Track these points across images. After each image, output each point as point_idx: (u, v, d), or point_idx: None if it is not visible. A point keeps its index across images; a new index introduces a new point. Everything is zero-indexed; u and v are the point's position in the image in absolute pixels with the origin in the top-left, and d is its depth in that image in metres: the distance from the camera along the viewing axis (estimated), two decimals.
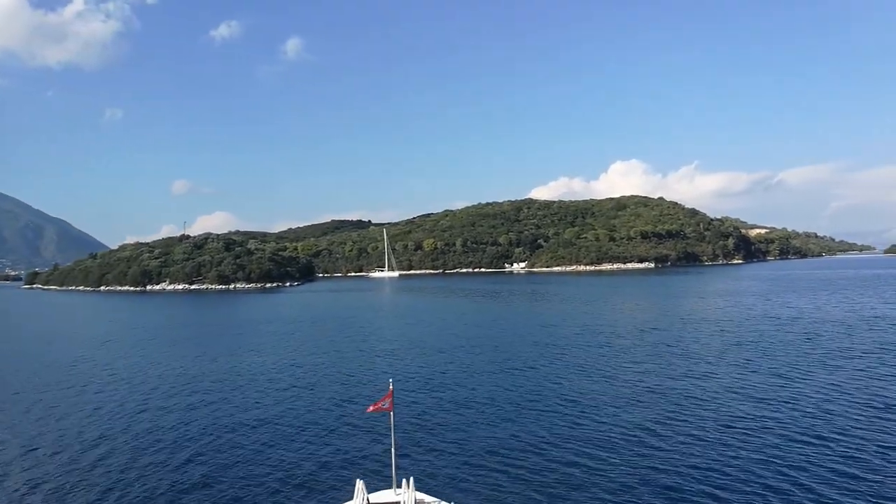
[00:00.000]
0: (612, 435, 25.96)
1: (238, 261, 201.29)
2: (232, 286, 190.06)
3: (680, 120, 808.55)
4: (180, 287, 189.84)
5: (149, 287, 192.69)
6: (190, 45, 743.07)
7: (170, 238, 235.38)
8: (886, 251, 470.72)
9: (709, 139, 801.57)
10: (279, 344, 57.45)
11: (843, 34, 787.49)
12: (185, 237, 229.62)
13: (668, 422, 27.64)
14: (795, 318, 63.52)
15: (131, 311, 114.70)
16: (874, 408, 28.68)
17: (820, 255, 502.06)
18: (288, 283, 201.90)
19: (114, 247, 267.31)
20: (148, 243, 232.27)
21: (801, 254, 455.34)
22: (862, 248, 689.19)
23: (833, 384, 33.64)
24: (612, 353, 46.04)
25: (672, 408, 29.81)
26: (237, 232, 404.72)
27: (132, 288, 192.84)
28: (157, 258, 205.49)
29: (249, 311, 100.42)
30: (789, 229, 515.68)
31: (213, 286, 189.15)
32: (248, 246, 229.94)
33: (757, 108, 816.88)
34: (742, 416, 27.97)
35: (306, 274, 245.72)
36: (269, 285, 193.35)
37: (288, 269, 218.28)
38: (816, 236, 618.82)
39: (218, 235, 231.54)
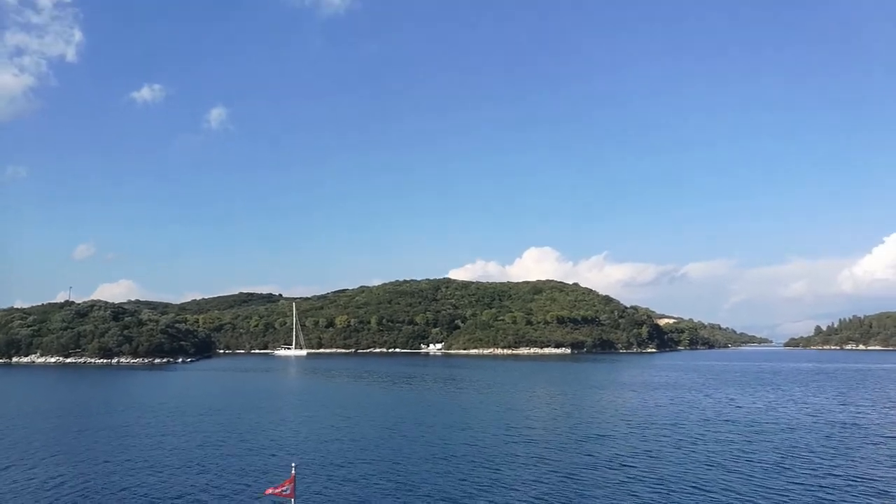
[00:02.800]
0: None
1: (126, 332, 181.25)
2: (115, 361, 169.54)
3: (591, 210, 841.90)
4: (53, 360, 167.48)
5: (14, 359, 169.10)
6: (108, 106, 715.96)
7: (50, 304, 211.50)
8: (786, 344, 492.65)
9: (618, 231, 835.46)
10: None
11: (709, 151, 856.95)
12: (68, 304, 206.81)
13: None
14: (767, 422, 56.66)
15: None
16: None
17: (726, 346, 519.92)
18: (181, 360, 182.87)
19: None
20: (22, 309, 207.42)
21: (709, 344, 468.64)
22: (760, 341, 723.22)
23: None
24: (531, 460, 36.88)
25: None
26: (137, 302, 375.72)
27: None
28: (30, 325, 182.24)
29: (113, 393, 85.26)
30: (695, 320, 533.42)
31: (93, 360, 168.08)
32: (141, 316, 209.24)
33: (661, 204, 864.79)
34: None
35: (204, 349, 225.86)
36: (158, 361, 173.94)
37: (182, 343, 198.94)
38: (720, 328, 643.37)
39: (106, 303, 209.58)
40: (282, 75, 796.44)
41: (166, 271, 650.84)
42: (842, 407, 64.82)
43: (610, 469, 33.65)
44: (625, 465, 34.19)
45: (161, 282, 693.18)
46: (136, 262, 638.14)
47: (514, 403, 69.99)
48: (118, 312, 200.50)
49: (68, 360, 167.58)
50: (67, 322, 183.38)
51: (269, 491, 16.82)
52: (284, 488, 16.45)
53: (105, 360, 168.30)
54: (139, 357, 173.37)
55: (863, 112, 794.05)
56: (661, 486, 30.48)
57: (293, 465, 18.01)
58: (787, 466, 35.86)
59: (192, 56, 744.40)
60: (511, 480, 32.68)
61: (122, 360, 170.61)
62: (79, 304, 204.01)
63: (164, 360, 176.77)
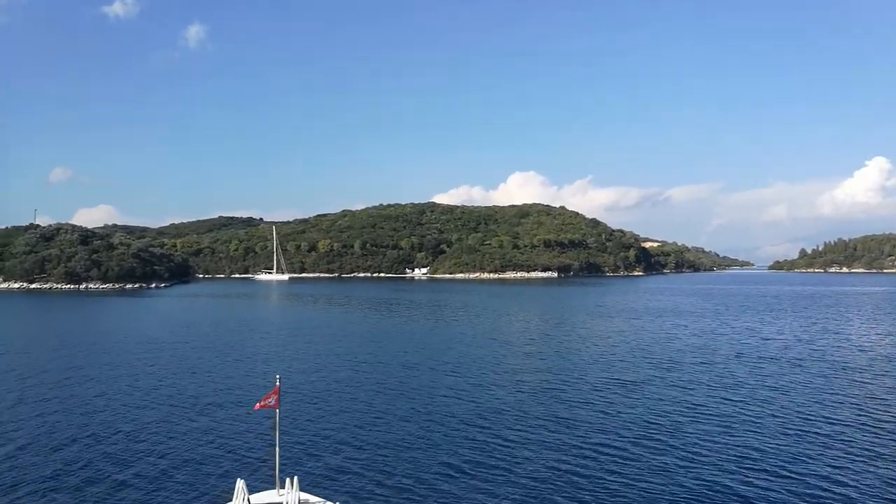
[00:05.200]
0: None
1: (94, 256, 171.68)
2: (83, 286, 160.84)
3: (576, 134, 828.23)
4: (16, 286, 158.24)
5: None
6: (78, 21, 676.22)
7: (14, 227, 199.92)
8: (770, 267, 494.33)
9: (602, 155, 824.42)
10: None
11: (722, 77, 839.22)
12: (33, 227, 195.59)
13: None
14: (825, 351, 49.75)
15: None
16: None
17: (711, 269, 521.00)
18: (154, 285, 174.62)
19: None
20: None
21: (695, 267, 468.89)
22: (742, 264, 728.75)
23: None
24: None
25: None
26: (114, 226, 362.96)
27: None
28: None
29: (86, 320, 77.16)
30: (678, 243, 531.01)
31: (59, 286, 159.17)
32: (112, 240, 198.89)
33: (647, 127, 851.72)
34: None
35: (181, 274, 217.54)
36: (129, 286, 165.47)
37: (156, 267, 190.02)
38: (703, 251, 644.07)
39: (74, 226, 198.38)
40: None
41: (146, 195, 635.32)
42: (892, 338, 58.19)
43: (652, 437, 25.97)
44: (674, 431, 26.47)
45: (141, 206, 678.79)
46: (115, 185, 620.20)
47: (510, 334, 62.95)
48: (87, 236, 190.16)
49: (33, 286, 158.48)
50: (31, 246, 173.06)
51: (257, 406, 17.12)
52: (270, 399, 16.75)
53: (72, 286, 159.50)
54: (109, 282, 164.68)
55: (846, 32, 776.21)
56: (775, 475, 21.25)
57: (278, 376, 17.70)
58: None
59: None
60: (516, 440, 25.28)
61: (91, 285, 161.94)
62: (44, 227, 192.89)
63: (136, 285, 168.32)
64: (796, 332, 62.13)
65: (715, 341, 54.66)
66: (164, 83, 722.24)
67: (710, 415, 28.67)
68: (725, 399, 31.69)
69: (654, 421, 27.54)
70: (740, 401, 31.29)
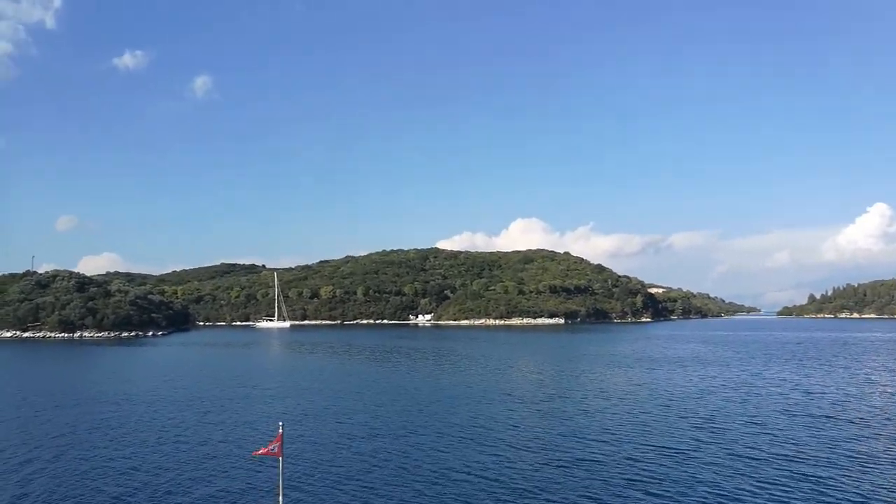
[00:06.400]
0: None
1: (90, 303, 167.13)
2: (77, 335, 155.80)
3: (577, 182, 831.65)
4: (9, 334, 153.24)
5: None
6: (88, 73, 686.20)
7: (10, 275, 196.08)
8: (779, 313, 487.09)
9: (603, 202, 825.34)
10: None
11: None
12: (28, 274, 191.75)
13: None
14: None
15: None
16: None
17: (719, 315, 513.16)
18: (151, 333, 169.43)
19: None
20: None
21: (702, 313, 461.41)
22: (749, 310, 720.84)
23: None
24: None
25: None
26: (115, 273, 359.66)
27: None
28: None
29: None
30: (683, 289, 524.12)
31: (53, 334, 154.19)
32: (109, 287, 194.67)
33: (647, 174, 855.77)
34: None
35: (179, 322, 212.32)
36: (125, 335, 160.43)
37: (153, 315, 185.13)
38: (709, 297, 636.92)
39: (71, 273, 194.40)
40: (266, 41, 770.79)
41: (150, 243, 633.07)
42: None
43: None
44: None
45: (144, 254, 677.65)
46: (120, 234, 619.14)
47: (525, 388, 57.98)
48: (84, 283, 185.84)
49: (26, 335, 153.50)
50: (26, 293, 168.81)
51: (259, 452, 17.03)
52: (272, 447, 16.62)
53: (66, 335, 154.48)
54: (104, 330, 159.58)
55: (846, 83, 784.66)
56: None
57: (280, 424, 17.65)
58: None
59: (174, 21, 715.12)
60: None
61: (86, 333, 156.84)
62: (40, 274, 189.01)
63: (133, 333, 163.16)
64: (839, 384, 57.00)
65: (753, 395, 49.58)
66: (171, 132, 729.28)
67: (791, 496, 23.77)
68: (802, 475, 26.69)
69: None
70: (816, 475, 26.38)
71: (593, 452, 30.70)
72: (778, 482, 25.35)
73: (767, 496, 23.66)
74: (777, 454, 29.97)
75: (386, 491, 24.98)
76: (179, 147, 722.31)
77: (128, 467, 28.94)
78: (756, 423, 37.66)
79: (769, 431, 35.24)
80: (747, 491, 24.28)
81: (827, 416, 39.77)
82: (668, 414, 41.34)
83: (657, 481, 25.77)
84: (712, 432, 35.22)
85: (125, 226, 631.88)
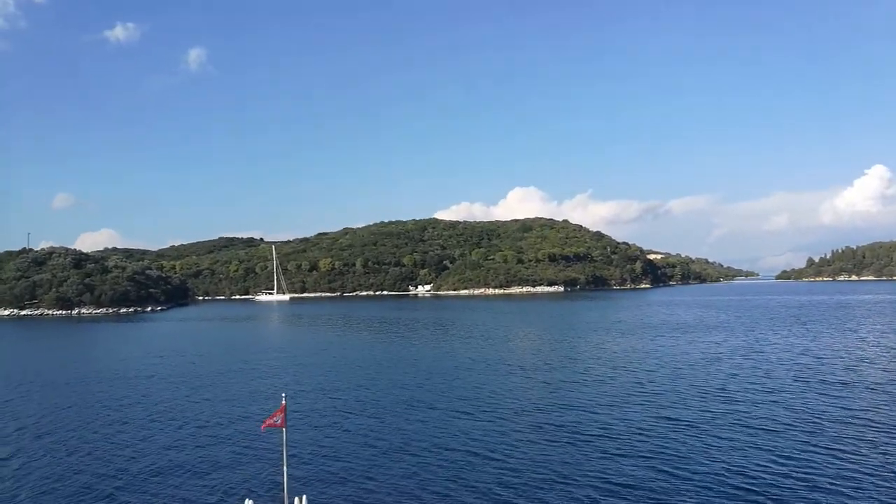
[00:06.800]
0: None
1: (88, 280, 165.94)
2: (75, 312, 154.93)
3: (574, 149, 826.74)
4: (6, 313, 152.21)
5: None
6: (80, 46, 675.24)
7: (6, 252, 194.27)
8: (778, 277, 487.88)
9: (601, 169, 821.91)
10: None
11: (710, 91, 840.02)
12: (24, 251, 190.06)
13: None
14: None
15: None
16: None
17: (717, 280, 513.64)
18: (150, 308, 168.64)
19: None
20: None
21: (701, 278, 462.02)
22: (747, 274, 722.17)
23: None
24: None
25: None
26: (114, 249, 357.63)
27: None
28: None
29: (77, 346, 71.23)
30: (682, 255, 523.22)
31: (51, 312, 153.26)
32: (106, 263, 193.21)
33: (643, 140, 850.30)
34: None
35: (178, 297, 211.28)
36: (123, 311, 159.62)
37: (152, 290, 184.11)
38: (707, 262, 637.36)
39: (67, 249, 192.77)
40: (259, 11, 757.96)
41: (147, 219, 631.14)
42: None
43: None
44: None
45: (143, 230, 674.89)
46: (118, 210, 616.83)
47: (526, 357, 57.06)
48: (81, 260, 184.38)
49: (23, 313, 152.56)
50: (22, 271, 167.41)
51: (264, 425, 16.78)
52: (276, 418, 16.58)
53: (64, 312, 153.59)
54: (102, 307, 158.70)
55: (844, 43, 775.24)
56: None
57: (283, 395, 17.91)
58: None
59: None
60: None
61: (84, 310, 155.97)
62: (36, 251, 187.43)
63: (131, 309, 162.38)
64: (849, 348, 56.12)
65: (763, 362, 48.67)
66: (165, 107, 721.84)
67: (815, 472, 22.76)
68: (823, 448, 25.66)
69: (743, 486, 21.61)
70: (838, 448, 25.38)
71: (601, 426, 29.68)
72: (799, 456, 24.34)
73: (789, 471, 22.64)
74: (794, 425, 28.97)
75: (387, 461, 25.10)
76: (175, 120, 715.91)
77: (129, 445, 28.70)
78: (768, 391, 36.71)
79: (783, 400, 34.26)
80: (766, 466, 23.28)
81: (842, 383, 38.78)
82: (677, 383, 40.38)
83: (671, 456, 24.76)
84: (724, 402, 34.25)
85: (123, 202, 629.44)
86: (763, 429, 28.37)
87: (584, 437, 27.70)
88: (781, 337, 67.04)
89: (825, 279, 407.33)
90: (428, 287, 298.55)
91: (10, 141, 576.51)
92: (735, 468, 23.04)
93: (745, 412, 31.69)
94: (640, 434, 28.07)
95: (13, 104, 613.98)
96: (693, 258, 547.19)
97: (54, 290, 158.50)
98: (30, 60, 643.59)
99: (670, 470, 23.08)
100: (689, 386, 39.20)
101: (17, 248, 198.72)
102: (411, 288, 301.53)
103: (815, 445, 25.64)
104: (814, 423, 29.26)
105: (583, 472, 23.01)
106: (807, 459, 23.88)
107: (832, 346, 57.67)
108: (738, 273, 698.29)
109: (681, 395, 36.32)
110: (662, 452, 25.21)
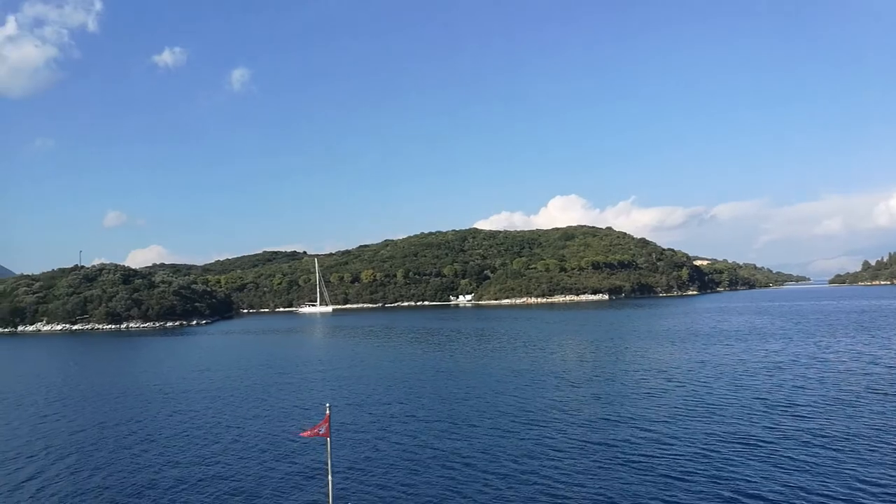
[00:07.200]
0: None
1: (135, 295, 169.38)
2: (124, 326, 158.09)
3: (617, 156, 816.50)
4: (59, 328, 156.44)
5: (20, 328, 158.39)
6: (131, 72, 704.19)
7: (60, 270, 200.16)
8: (831, 281, 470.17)
9: (644, 175, 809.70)
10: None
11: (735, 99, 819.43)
12: (77, 269, 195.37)
13: None
14: None
15: None
16: None
17: (767, 285, 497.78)
18: (195, 322, 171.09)
19: None
20: (30, 276, 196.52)
21: (750, 284, 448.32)
22: (798, 279, 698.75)
23: None
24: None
25: None
26: (161, 265, 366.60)
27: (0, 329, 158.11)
28: (35, 292, 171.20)
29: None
30: (729, 261, 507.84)
31: (101, 326, 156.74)
32: (154, 278, 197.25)
33: (688, 146, 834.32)
34: None
35: (223, 310, 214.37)
36: (170, 324, 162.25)
37: (197, 304, 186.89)
38: (755, 267, 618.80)
39: (116, 266, 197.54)
40: (301, 33, 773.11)
41: (194, 235, 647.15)
42: None
43: None
44: None
45: (190, 245, 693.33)
46: (166, 227, 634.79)
47: (574, 369, 54.77)
48: (129, 276, 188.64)
49: (75, 327, 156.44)
50: (74, 287, 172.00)
51: (306, 433, 16.78)
52: (320, 428, 16.73)
53: (113, 326, 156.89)
54: (149, 321, 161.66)
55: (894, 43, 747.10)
56: None
57: (327, 405, 18.24)
58: None
59: (211, 16, 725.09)
60: None
61: (132, 324, 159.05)
62: (87, 268, 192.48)
63: (177, 322, 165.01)
64: None
65: (830, 372, 45.43)
66: (211, 126, 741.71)
67: None
68: None
69: None
70: None
71: (659, 446, 27.43)
72: (889, 480, 21.75)
73: (879, 495, 20.14)
74: (878, 442, 26.25)
75: (429, 476, 24.70)
76: (220, 139, 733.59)
77: (177, 455, 29.02)
78: (843, 405, 33.81)
79: (861, 415, 31.40)
80: (850, 491, 20.80)
81: None
82: (739, 395, 37.70)
83: (739, 480, 22.47)
84: (794, 417, 31.59)
85: (171, 219, 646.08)
86: (842, 448, 25.78)
87: (640, 459, 25.54)
88: (846, 345, 63.06)
89: (883, 283, 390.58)
90: (469, 297, 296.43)
91: (67, 163, 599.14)
92: (815, 493, 20.65)
93: (818, 429, 29.01)
94: (702, 455, 25.76)
95: (70, 128, 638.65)
96: (741, 264, 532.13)
97: (104, 305, 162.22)
98: (84, 87, 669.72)
99: (739, 498, 20.82)
100: (752, 399, 36.51)
101: (69, 265, 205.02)
102: (452, 298, 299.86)
103: None
104: None
105: (639, 500, 20.93)
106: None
107: None
108: (788, 278, 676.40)
109: (744, 410, 33.72)
110: (730, 477, 22.92)
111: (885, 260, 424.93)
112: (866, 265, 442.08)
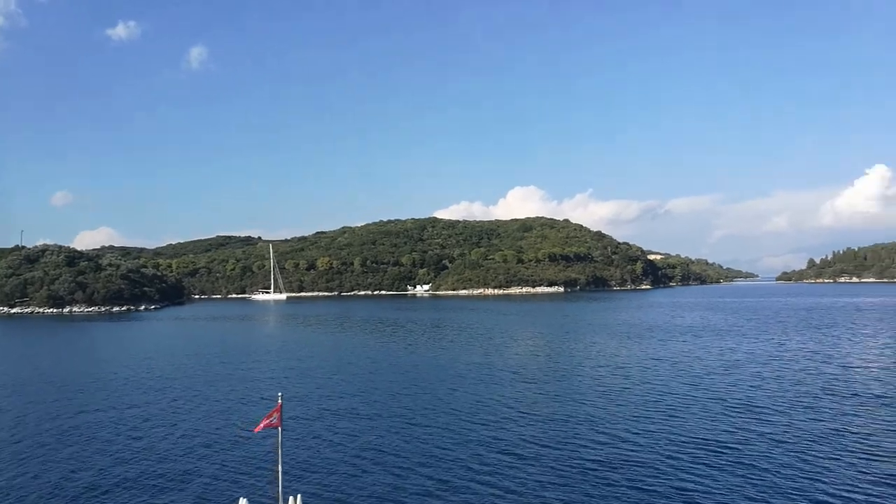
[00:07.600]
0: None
1: (80, 278, 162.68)
2: (67, 310, 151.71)
3: (575, 148, 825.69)
4: None
5: None
6: (81, 45, 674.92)
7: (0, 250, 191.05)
8: (778, 278, 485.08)
9: (602, 168, 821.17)
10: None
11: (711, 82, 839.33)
12: (17, 249, 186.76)
13: None
14: None
15: None
16: None
17: (718, 281, 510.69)
18: (143, 307, 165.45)
19: None
20: None
21: (701, 280, 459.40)
22: (747, 276, 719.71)
23: None
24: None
25: None
26: (111, 247, 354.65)
27: None
28: None
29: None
30: (682, 256, 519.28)
31: (42, 310, 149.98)
32: (100, 261, 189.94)
33: (644, 140, 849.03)
34: None
35: (173, 295, 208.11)
36: (116, 309, 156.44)
37: (146, 289, 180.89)
38: (707, 263, 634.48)
39: (60, 247, 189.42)
40: (260, 9, 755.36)
41: (146, 217, 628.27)
42: None
43: None
44: None
45: (141, 228, 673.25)
46: (116, 208, 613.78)
47: (531, 364, 54.12)
48: (74, 257, 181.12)
49: (13, 311, 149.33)
50: (14, 269, 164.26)
51: (259, 427, 16.24)
52: (272, 417, 16.29)
53: (56, 310, 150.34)
54: (95, 305, 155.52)
55: (845, 44, 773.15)
56: None
57: (280, 394, 17.68)
58: None
59: None
60: None
61: (76, 309, 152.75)
62: (29, 248, 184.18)
63: (124, 307, 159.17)
64: (874, 356, 53.05)
65: (786, 370, 45.60)
66: (166, 104, 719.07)
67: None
68: (885, 476, 22.68)
69: None
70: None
71: (623, 449, 26.58)
72: (858, 487, 21.27)
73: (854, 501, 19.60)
74: (842, 447, 25.90)
75: (381, 466, 24.86)
76: (175, 119, 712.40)
77: (112, 452, 27.75)
78: (803, 407, 33.59)
79: (821, 418, 31.14)
80: (823, 498, 20.22)
81: (877, 396, 35.74)
82: (698, 395, 37.31)
83: (707, 489, 21.69)
84: (756, 418, 31.21)
85: (121, 200, 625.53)
86: (809, 452, 25.31)
87: (598, 466, 24.58)
88: (798, 343, 63.93)
89: (826, 281, 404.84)
90: (427, 287, 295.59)
91: (11, 138, 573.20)
92: (781, 496, 19.99)
93: (781, 432, 28.58)
94: (669, 460, 24.95)
95: (14, 102, 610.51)
96: (693, 259, 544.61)
97: (45, 287, 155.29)
98: (31, 59, 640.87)
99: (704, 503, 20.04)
100: (712, 399, 36.13)
101: (10, 246, 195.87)
102: (410, 288, 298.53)
103: (872, 473, 22.59)
104: (862, 444, 26.18)
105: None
106: (869, 491, 20.83)
107: (856, 354, 54.62)
108: (737, 274, 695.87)
109: (704, 410, 33.25)
110: (697, 485, 22.14)
111: (828, 258, 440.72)
112: (811, 263, 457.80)
